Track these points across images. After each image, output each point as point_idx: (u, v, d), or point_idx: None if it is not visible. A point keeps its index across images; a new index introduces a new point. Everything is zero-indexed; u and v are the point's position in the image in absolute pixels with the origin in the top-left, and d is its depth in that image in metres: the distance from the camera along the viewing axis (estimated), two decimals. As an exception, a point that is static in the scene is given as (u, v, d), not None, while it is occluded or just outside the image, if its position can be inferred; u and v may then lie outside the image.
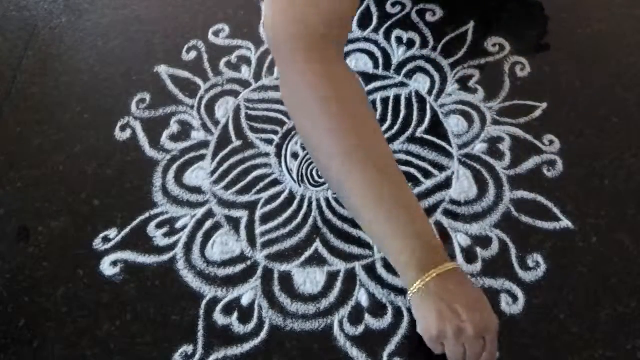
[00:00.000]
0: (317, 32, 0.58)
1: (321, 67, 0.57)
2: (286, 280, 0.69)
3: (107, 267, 0.72)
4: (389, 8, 0.94)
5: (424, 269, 0.54)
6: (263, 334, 0.66)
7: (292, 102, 0.61)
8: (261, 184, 0.77)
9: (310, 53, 0.57)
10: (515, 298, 0.65)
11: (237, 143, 0.82)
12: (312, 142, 0.59)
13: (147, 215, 0.76)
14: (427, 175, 0.76)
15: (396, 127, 0.80)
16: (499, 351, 0.60)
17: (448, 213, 0.72)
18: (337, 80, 0.58)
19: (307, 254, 0.71)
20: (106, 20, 1.00)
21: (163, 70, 0.91)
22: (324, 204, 0.75)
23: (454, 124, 0.80)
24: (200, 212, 0.76)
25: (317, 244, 0.71)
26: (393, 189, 0.56)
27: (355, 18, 0.93)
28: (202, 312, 0.68)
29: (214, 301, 0.68)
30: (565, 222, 0.70)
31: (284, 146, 0.81)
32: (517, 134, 0.78)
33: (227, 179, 0.78)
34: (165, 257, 0.72)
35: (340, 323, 0.66)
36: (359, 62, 0.88)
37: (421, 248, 0.55)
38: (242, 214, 0.75)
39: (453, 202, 0.73)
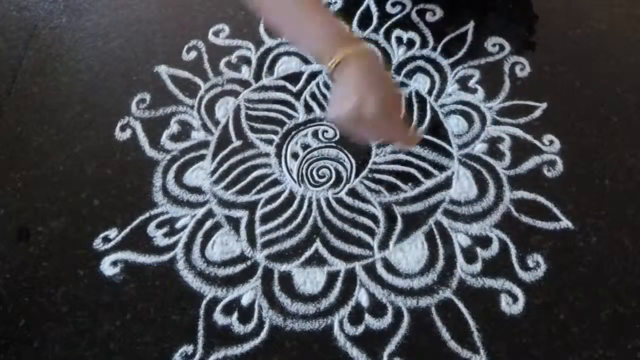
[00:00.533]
0: None
1: None
2: (286, 280, 0.69)
3: (107, 267, 0.72)
4: (389, 8, 0.94)
5: (341, 45, 0.56)
6: (263, 334, 0.66)
7: None
8: (261, 184, 0.77)
9: None
10: (515, 298, 0.65)
11: (237, 143, 0.82)
12: None
13: (147, 215, 0.76)
14: (427, 175, 0.76)
15: (396, 127, 0.80)
16: (499, 352, 0.61)
17: (448, 213, 0.72)
18: None
19: (307, 254, 0.71)
20: (106, 20, 1.00)
21: (163, 70, 0.91)
22: (324, 204, 0.75)
23: (454, 124, 0.80)
24: (200, 212, 0.76)
25: (317, 244, 0.71)
26: None
27: (355, 18, 0.93)
28: (202, 312, 0.68)
29: (214, 301, 0.68)
30: (565, 222, 0.70)
31: (284, 146, 0.81)
32: (517, 134, 0.78)
33: (227, 179, 0.78)
34: (165, 257, 0.72)
35: (340, 323, 0.66)
36: (359, 62, 0.88)
37: (339, 32, 0.58)
38: (242, 214, 0.75)
39: (453, 202, 0.73)
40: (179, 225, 0.75)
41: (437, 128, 0.80)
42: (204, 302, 0.68)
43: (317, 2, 0.61)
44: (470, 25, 0.90)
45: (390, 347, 0.63)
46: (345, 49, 0.56)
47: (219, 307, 0.68)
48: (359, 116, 0.54)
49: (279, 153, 0.80)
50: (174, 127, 0.84)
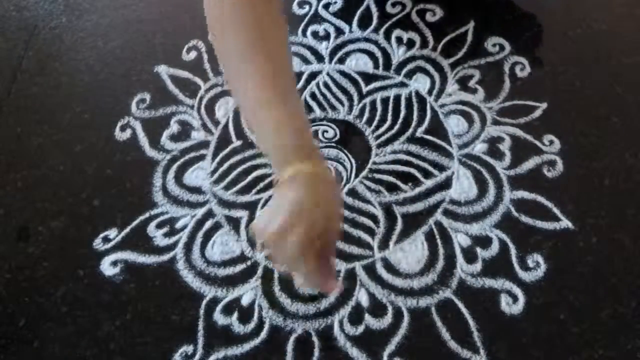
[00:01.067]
0: None
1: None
2: (286, 280, 0.69)
3: (107, 267, 0.72)
4: (389, 8, 0.94)
5: (293, 162, 0.52)
6: (263, 334, 0.66)
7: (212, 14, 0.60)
8: (261, 184, 0.77)
9: None
10: (515, 298, 0.65)
11: (237, 143, 0.82)
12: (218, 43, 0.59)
13: (147, 215, 0.76)
14: (427, 175, 0.76)
15: (396, 127, 0.80)
16: (499, 352, 0.61)
17: (448, 213, 0.72)
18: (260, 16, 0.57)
19: (307, 254, 0.71)
20: (106, 20, 1.00)
21: (163, 70, 0.91)
22: (324, 204, 0.75)
23: (454, 124, 0.80)
24: (200, 212, 0.76)
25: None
26: (282, 88, 0.55)
27: (355, 18, 0.93)
28: (202, 312, 0.68)
29: (214, 301, 0.68)
30: (565, 222, 0.70)
31: (284, 146, 0.81)
32: (517, 134, 0.78)
33: (227, 179, 0.78)
34: (165, 257, 0.72)
35: (340, 323, 0.66)
36: (359, 62, 0.88)
37: (296, 139, 0.53)
38: (242, 214, 0.75)
39: (453, 202, 0.73)
40: (179, 225, 0.75)
41: (437, 128, 0.80)
42: (204, 302, 0.68)
43: (280, 91, 0.54)
44: (470, 25, 0.90)
45: (390, 347, 0.63)
46: (297, 166, 0.51)
47: (219, 307, 0.68)
48: (278, 244, 0.50)
49: (279, 153, 0.80)
50: (174, 127, 0.84)
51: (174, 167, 0.80)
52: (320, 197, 0.51)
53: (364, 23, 0.93)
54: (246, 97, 0.56)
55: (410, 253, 0.70)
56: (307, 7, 0.96)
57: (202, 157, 0.81)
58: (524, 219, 0.71)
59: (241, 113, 0.59)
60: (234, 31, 0.56)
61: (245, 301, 0.68)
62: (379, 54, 0.88)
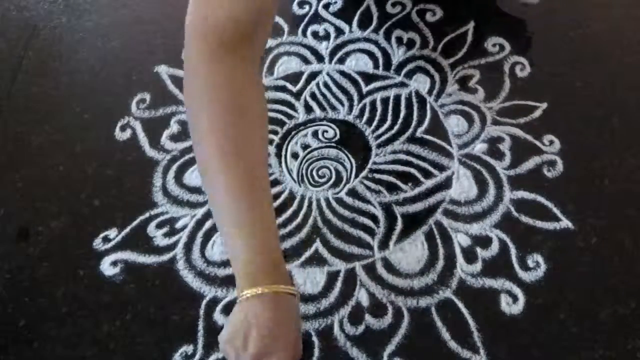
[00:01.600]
0: (225, 32, 0.56)
1: (223, 70, 0.56)
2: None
3: (107, 267, 0.72)
4: (389, 8, 0.94)
5: (257, 283, 0.53)
6: (263, 334, 0.65)
7: (188, 91, 0.59)
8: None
9: (215, 54, 0.56)
10: (515, 298, 0.65)
11: (237, 143, 0.82)
12: (195, 135, 0.58)
13: (147, 215, 0.76)
14: (427, 175, 0.76)
15: (396, 127, 0.80)
16: (499, 352, 0.60)
17: (448, 213, 0.72)
18: (235, 85, 0.57)
19: (307, 254, 0.71)
20: (106, 20, 1.00)
21: (163, 70, 0.91)
22: (324, 204, 0.75)
23: (454, 124, 0.80)
24: (200, 212, 0.76)
25: (317, 244, 0.71)
26: (254, 204, 0.55)
27: (355, 18, 0.93)
28: (202, 312, 0.68)
29: (214, 301, 0.68)
30: (565, 222, 0.70)
31: (284, 146, 0.81)
32: (517, 134, 0.78)
33: (227, 179, 0.78)
34: (165, 257, 0.72)
35: (340, 323, 0.66)
36: (359, 62, 0.88)
37: (264, 265, 0.54)
38: (242, 214, 0.75)
39: (453, 202, 0.73)
40: (179, 225, 0.75)
41: (437, 128, 0.80)
42: (204, 302, 0.68)
43: (254, 213, 0.55)
44: (470, 25, 0.90)
45: (390, 347, 0.63)
46: (259, 287, 0.52)
47: (219, 307, 0.68)
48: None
49: (279, 153, 0.80)
50: (174, 127, 0.84)
51: (174, 167, 0.80)
52: (287, 320, 0.53)
53: (364, 23, 0.93)
54: (220, 211, 0.56)
55: (410, 253, 0.70)
56: (307, 7, 0.96)
57: (202, 157, 0.81)
58: (524, 219, 0.71)
59: (213, 216, 0.59)
60: (209, 114, 0.56)
61: (245, 301, 0.68)
62: (379, 54, 0.88)
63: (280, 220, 0.74)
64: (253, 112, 0.58)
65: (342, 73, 0.87)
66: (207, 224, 0.75)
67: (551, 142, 0.76)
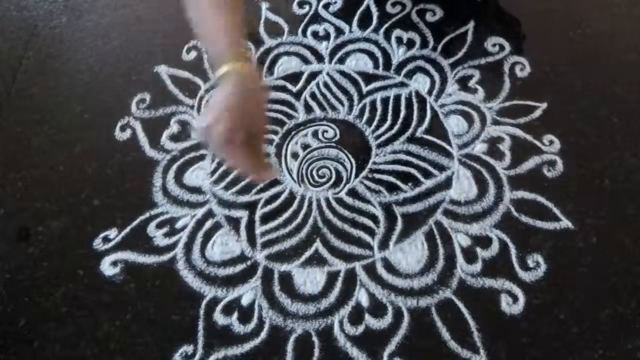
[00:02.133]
0: None
1: None
2: (286, 280, 0.69)
3: (107, 267, 0.72)
4: (389, 8, 0.94)
5: (227, 62, 0.60)
6: (263, 334, 0.66)
7: None
8: (261, 184, 0.77)
9: None
10: (515, 298, 0.65)
11: (237, 143, 0.82)
12: None
13: (147, 215, 0.76)
14: (427, 175, 0.76)
15: (396, 127, 0.80)
16: (499, 352, 0.61)
17: (448, 213, 0.72)
18: None
19: (307, 254, 0.71)
20: (106, 20, 1.00)
21: (163, 70, 0.91)
22: (324, 204, 0.75)
23: (454, 124, 0.80)
24: (200, 212, 0.76)
25: (317, 244, 0.71)
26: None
27: (355, 18, 0.93)
28: (202, 312, 0.68)
29: (214, 301, 0.68)
30: (565, 222, 0.70)
31: (284, 146, 0.81)
32: (517, 134, 0.78)
33: (227, 179, 0.78)
34: (165, 257, 0.72)
35: (340, 323, 0.66)
36: (359, 62, 0.88)
37: (232, 45, 0.62)
38: (242, 214, 0.75)
39: (453, 202, 0.73)
40: (179, 225, 0.75)
41: (437, 128, 0.80)
42: (204, 302, 0.68)
43: (235, 5, 0.65)
44: (470, 25, 0.90)
45: (390, 347, 0.63)
46: (232, 64, 0.60)
47: (219, 307, 0.68)
48: (208, 135, 0.59)
49: (279, 153, 0.80)
50: (174, 127, 0.84)
51: (174, 167, 0.80)
52: (247, 93, 0.61)
53: (364, 23, 0.93)
54: (199, 10, 0.65)
55: (410, 253, 0.70)
56: (307, 7, 0.96)
57: (202, 157, 0.81)
58: (524, 219, 0.71)
59: (193, 25, 0.68)
60: None
61: (245, 301, 0.68)
62: (379, 54, 0.88)
63: (280, 220, 0.74)
64: None
65: (342, 73, 0.87)
66: (207, 224, 0.75)
67: (551, 142, 0.76)
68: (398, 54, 0.88)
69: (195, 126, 0.62)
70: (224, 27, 0.64)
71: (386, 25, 0.92)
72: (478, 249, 0.69)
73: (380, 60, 0.88)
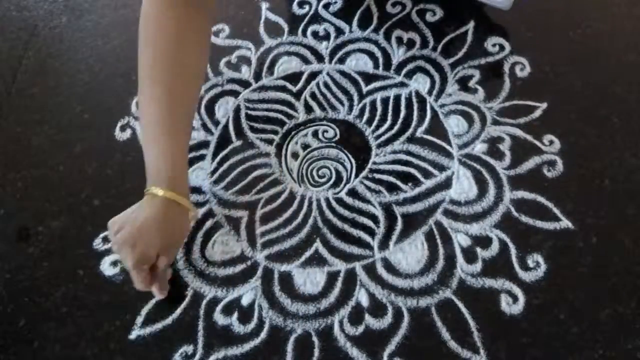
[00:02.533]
0: None
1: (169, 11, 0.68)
2: (286, 281, 0.69)
3: (107, 267, 0.72)
4: (389, 8, 0.94)
5: (163, 187, 0.64)
6: (263, 334, 0.66)
7: (141, 28, 0.72)
8: (261, 184, 0.77)
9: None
10: (515, 298, 0.65)
11: (237, 143, 0.82)
12: (139, 61, 0.71)
13: (147, 215, 0.76)
14: (427, 175, 0.76)
15: (396, 127, 0.80)
16: (499, 352, 0.61)
17: (448, 213, 0.72)
18: (179, 37, 0.68)
19: (307, 254, 0.71)
20: (106, 20, 1.00)
21: (163, 70, 0.90)
22: (324, 204, 0.75)
23: (454, 124, 0.80)
24: (200, 212, 0.76)
25: (317, 244, 0.71)
26: (170, 119, 0.67)
27: (355, 18, 0.93)
28: (202, 312, 0.68)
29: (214, 301, 0.68)
30: (565, 222, 0.70)
31: (284, 146, 0.81)
32: (517, 134, 0.78)
33: (227, 179, 0.78)
34: (165, 257, 0.72)
35: (340, 323, 0.66)
36: (359, 62, 0.88)
37: (171, 176, 0.65)
38: (242, 214, 0.75)
39: (453, 202, 0.73)
40: (179, 225, 0.75)
41: (437, 128, 0.80)
42: (204, 302, 0.68)
43: (176, 127, 0.67)
44: (470, 25, 0.90)
45: (390, 347, 0.63)
46: (165, 191, 0.63)
47: (219, 307, 0.68)
48: (120, 250, 0.63)
49: (279, 153, 0.80)
50: (174, 127, 0.84)
51: (174, 167, 0.80)
52: (169, 224, 0.64)
53: (364, 23, 0.93)
54: (147, 117, 0.67)
55: (410, 253, 0.70)
56: (307, 7, 0.96)
57: (202, 157, 0.81)
58: (524, 219, 0.71)
59: (139, 119, 0.71)
60: (153, 43, 0.69)
61: (245, 301, 0.68)
62: (379, 54, 0.88)
63: (280, 220, 0.74)
64: (191, 69, 0.70)
65: (342, 73, 0.87)
66: (207, 224, 0.75)
67: (551, 142, 0.76)
68: (398, 54, 0.88)
69: (110, 226, 0.66)
70: (173, 154, 0.65)
71: (386, 25, 0.92)
72: (478, 249, 0.69)
73: (380, 60, 0.88)
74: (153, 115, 0.66)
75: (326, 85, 0.86)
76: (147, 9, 0.70)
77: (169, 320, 0.67)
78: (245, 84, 0.88)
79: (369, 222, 0.73)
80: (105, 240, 0.74)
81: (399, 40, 0.90)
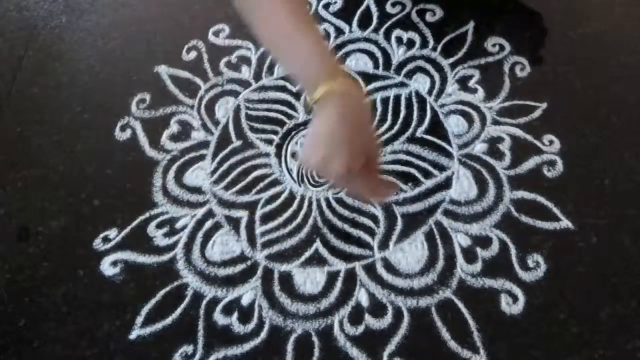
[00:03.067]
0: None
1: None
2: (286, 280, 0.69)
3: (107, 267, 0.72)
4: (389, 8, 0.94)
5: (323, 83, 0.55)
6: (263, 334, 0.66)
7: None
8: (261, 184, 0.77)
9: None
10: (515, 298, 0.65)
11: (237, 143, 0.82)
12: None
13: (147, 215, 0.76)
14: (427, 175, 0.76)
15: (396, 127, 0.80)
16: (499, 352, 0.61)
17: (448, 213, 0.72)
18: None
19: (307, 254, 0.71)
20: (106, 20, 1.00)
21: (163, 70, 0.91)
22: (324, 204, 0.75)
23: (454, 124, 0.80)
24: (200, 212, 0.76)
25: (317, 244, 0.71)
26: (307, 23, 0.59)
27: (355, 18, 0.93)
28: (202, 312, 0.68)
29: (214, 301, 0.68)
30: (565, 222, 0.70)
31: (284, 146, 0.81)
32: (517, 134, 0.78)
33: (227, 179, 0.78)
34: (165, 257, 0.72)
35: (340, 323, 0.66)
36: (359, 62, 0.88)
37: (327, 60, 0.57)
38: (242, 214, 0.75)
39: (453, 202, 0.73)
40: (179, 225, 0.75)
41: (437, 128, 0.80)
42: (204, 302, 0.68)
43: (311, 21, 0.60)
44: (470, 25, 0.90)
45: (390, 347, 0.63)
46: (330, 82, 0.54)
47: (219, 307, 0.68)
48: (325, 171, 0.54)
49: (279, 153, 0.80)
50: (174, 127, 0.84)
51: (174, 167, 0.80)
52: (354, 114, 0.54)
53: (364, 23, 0.93)
54: (276, 30, 0.59)
55: (410, 253, 0.70)
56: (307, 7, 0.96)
57: (202, 157, 0.81)
58: (524, 219, 0.71)
59: (269, 45, 0.63)
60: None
61: (245, 301, 0.68)
62: (379, 54, 0.88)
63: (280, 220, 0.74)
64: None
65: (342, 73, 0.87)
66: (207, 224, 0.75)
67: (551, 142, 0.76)
68: (398, 54, 0.88)
69: (302, 159, 0.58)
70: (312, 43, 0.57)
71: (386, 25, 0.92)
72: (478, 249, 0.69)
73: (380, 60, 0.88)
74: (288, 21, 0.58)
75: (326, 85, 0.86)
76: None
77: (169, 320, 0.67)
78: (245, 84, 0.88)
79: (369, 222, 0.73)
80: (105, 240, 0.74)
81: (399, 40, 0.90)
